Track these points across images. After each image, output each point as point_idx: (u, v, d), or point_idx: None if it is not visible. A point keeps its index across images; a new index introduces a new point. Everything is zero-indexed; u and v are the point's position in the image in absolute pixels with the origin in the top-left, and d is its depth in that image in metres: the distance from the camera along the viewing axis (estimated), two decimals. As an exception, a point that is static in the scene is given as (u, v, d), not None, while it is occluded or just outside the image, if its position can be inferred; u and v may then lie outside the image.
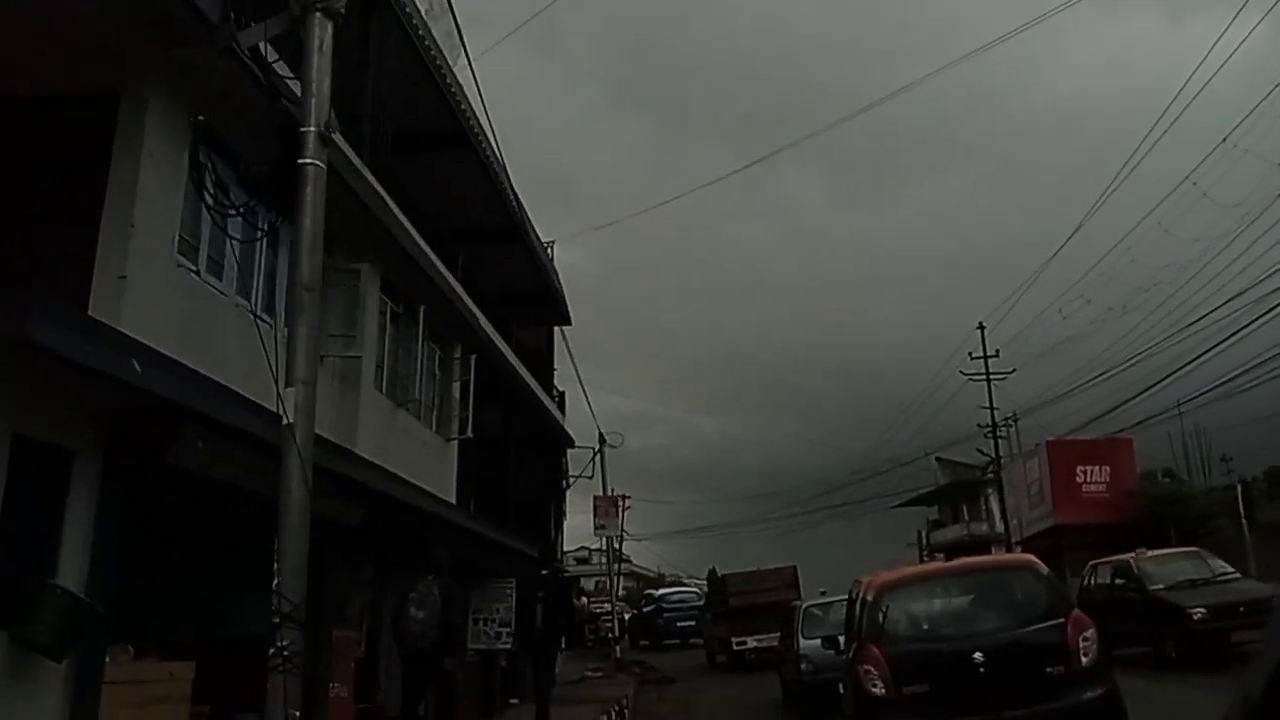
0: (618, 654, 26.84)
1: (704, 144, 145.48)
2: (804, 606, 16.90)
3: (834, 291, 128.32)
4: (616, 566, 71.54)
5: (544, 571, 22.27)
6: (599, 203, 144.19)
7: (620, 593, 45.19)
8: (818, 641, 13.12)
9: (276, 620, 4.77)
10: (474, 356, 15.50)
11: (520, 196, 20.38)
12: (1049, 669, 7.64)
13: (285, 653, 4.69)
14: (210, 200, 6.48)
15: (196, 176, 6.49)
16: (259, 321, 7.24)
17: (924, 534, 61.86)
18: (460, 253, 16.82)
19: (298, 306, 5.30)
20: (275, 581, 4.87)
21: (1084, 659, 7.63)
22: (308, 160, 5.27)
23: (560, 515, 24.36)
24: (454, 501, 15.29)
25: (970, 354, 42.64)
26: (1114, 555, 17.93)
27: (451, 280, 14.69)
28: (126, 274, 7.88)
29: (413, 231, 12.92)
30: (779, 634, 19.24)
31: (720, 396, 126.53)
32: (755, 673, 21.89)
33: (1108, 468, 29.84)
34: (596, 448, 28.00)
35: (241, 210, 6.71)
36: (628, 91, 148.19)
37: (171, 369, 7.52)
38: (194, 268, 8.96)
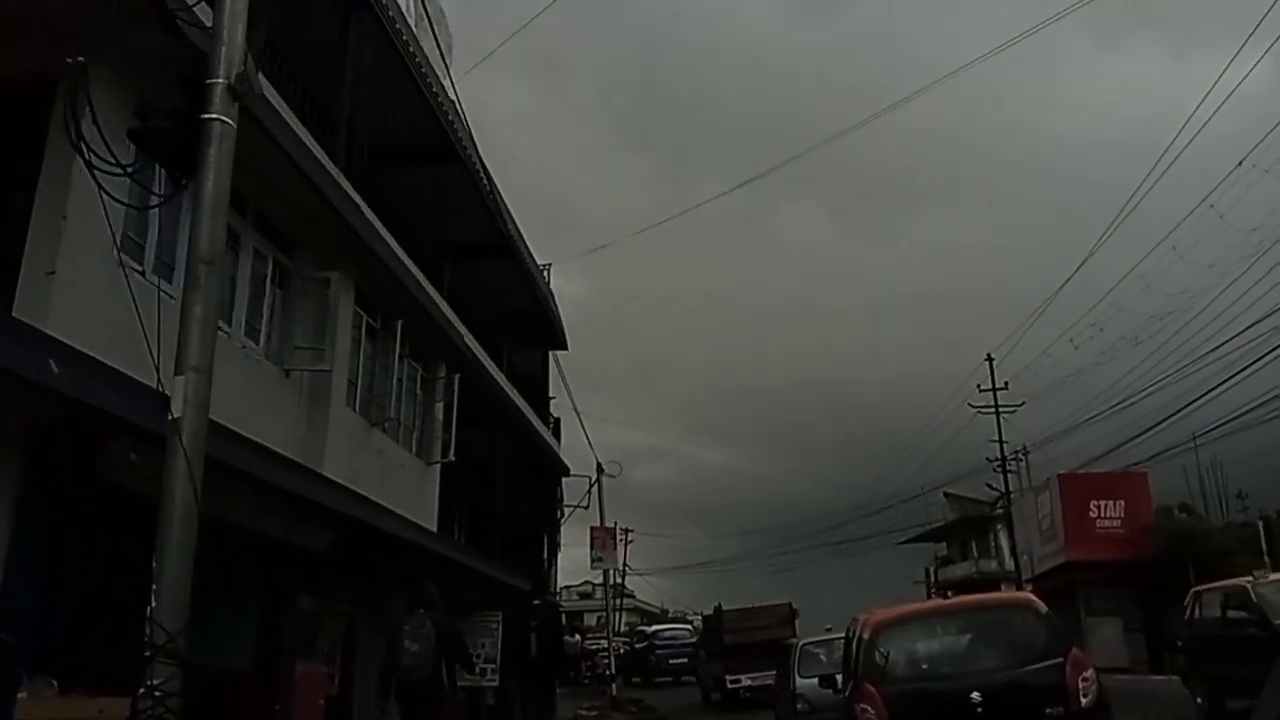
0: (614, 692, 25.85)
1: (708, 179, 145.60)
2: (800, 644, 16.31)
3: (839, 325, 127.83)
4: (617, 601, 70.37)
5: (536, 602, 21.47)
6: (603, 235, 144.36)
7: (623, 628, 44.25)
8: (814, 680, 12.73)
9: (148, 654, 3.99)
10: (458, 376, 14.80)
11: (513, 215, 19.84)
12: (1048, 710, 7.53)
13: (157, 693, 3.92)
14: (86, 155, 5.76)
15: (74, 129, 5.78)
16: (161, 294, 6.47)
17: (932, 571, 60.60)
18: (446, 268, 16.19)
19: (194, 281, 4.60)
20: (150, 606, 4.11)
21: (1084, 699, 7.54)
22: (213, 116, 4.59)
23: (554, 546, 23.54)
24: (435, 529, 14.52)
25: (979, 386, 41.85)
26: (1227, 580, 14.32)
27: (434, 295, 14.04)
28: (55, 270, 7.23)
29: (391, 241, 12.28)
30: (774, 671, 18.95)
31: (724, 430, 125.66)
32: (750, 711, 21.52)
33: (1122, 502, 28.88)
34: (594, 477, 27.18)
35: (129, 170, 5.99)
36: (633, 127, 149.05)
37: (102, 374, 6.84)
38: (138, 267, 8.34)
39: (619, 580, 73.10)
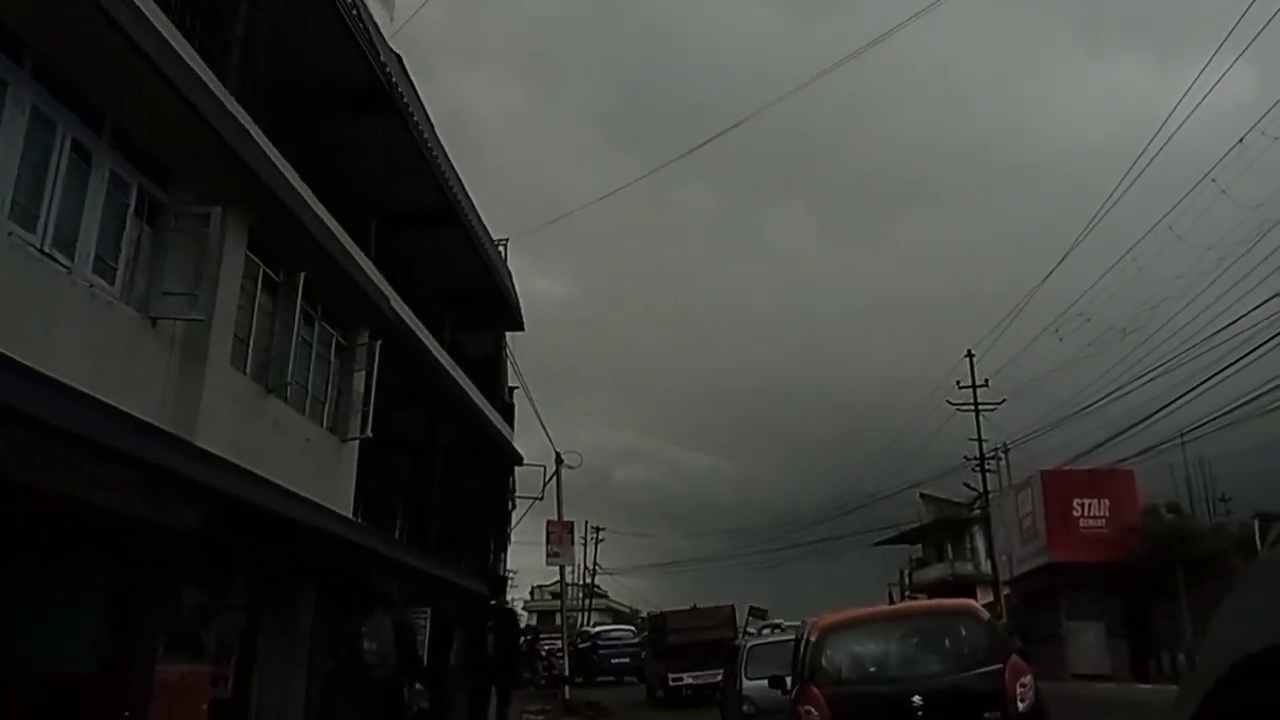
0: (566, 694, 24.36)
1: (691, 182, 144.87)
2: (748, 645, 16.04)
3: (824, 328, 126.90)
4: (587, 601, 68.75)
5: (493, 602, 20.09)
6: (591, 236, 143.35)
7: (593, 629, 43.73)
8: (762, 682, 12.52)
9: None
10: (380, 344, 13.23)
11: (463, 180, 18.32)
12: (985, 714, 7.78)
13: None
14: None
15: None
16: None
17: (907, 573, 59.39)
18: (375, 227, 14.64)
19: None
20: None
21: (1020, 705, 7.77)
22: None
23: (503, 539, 21.96)
24: (351, 514, 12.95)
25: (958, 383, 40.55)
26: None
27: (353, 250, 12.50)
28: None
29: (294, 181, 10.73)
30: (716, 671, 19.53)
31: (707, 432, 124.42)
32: (693, 708, 22.01)
33: (1107, 501, 27.45)
34: (553, 469, 25.62)
35: None
36: (622, 129, 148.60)
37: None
38: (31, 237, 7.27)
39: (589, 579, 71.76)
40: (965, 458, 40.11)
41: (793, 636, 12.36)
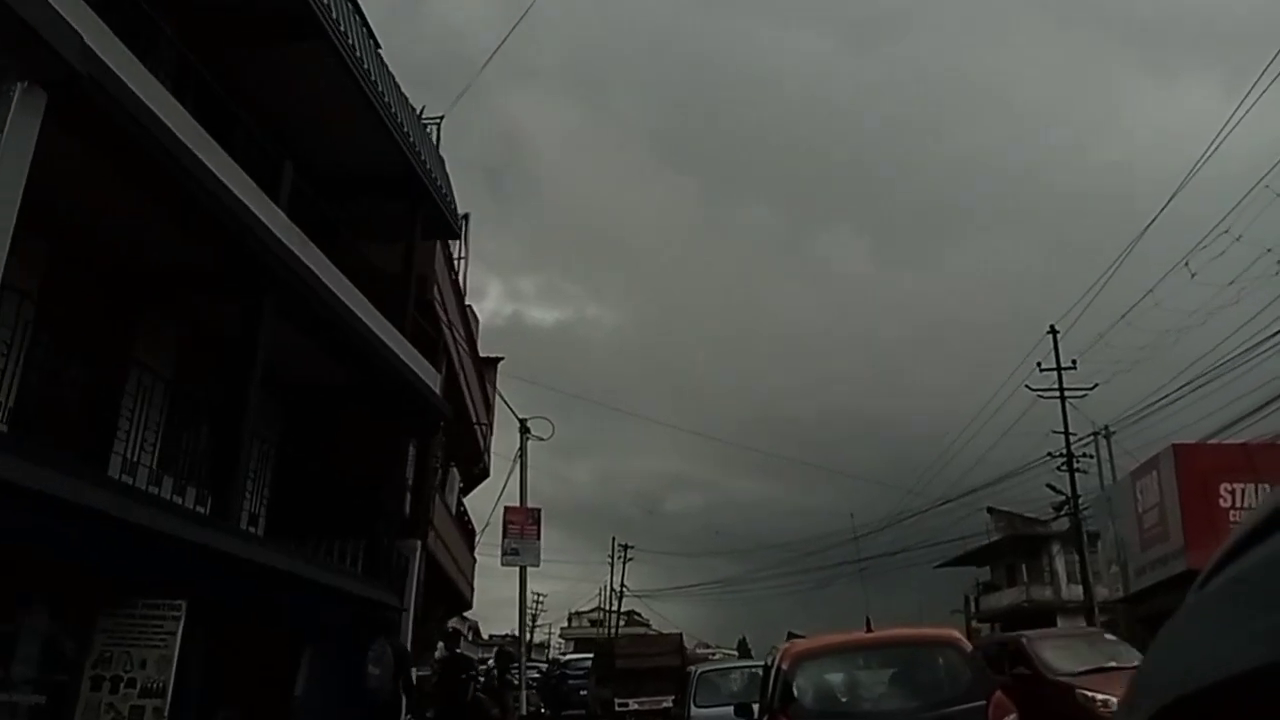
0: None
1: (746, 204, 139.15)
2: (698, 672, 15.31)
3: (881, 354, 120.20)
4: (615, 628, 61.91)
5: (385, 611, 14.04)
6: (645, 256, 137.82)
7: (563, 657, 40.01)
8: (712, 710, 12.79)
9: None
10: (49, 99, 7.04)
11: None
12: None
13: None
14: None
15: None
16: None
17: (973, 599, 52.07)
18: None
19: None
20: None
21: None
22: None
23: (413, 525, 15.42)
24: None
25: (1039, 365, 33.63)
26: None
27: None
28: None
29: None
30: (662, 698, 20.38)
31: (758, 459, 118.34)
32: None
33: (1266, 486, 20.32)
34: (518, 445, 19.15)
35: None
36: (676, 152, 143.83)
37: None
38: None
39: (615, 604, 65.09)
40: (1049, 453, 33.05)
41: (745, 664, 13.56)
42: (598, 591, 70.11)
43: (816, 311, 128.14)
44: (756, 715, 9.41)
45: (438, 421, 16.11)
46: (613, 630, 57.81)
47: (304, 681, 11.95)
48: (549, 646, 78.07)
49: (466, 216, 28.40)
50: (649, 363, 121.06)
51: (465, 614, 40.36)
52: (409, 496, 15.83)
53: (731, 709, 10.53)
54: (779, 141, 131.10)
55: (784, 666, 8.40)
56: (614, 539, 65.52)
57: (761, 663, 12.18)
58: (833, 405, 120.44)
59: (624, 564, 64.85)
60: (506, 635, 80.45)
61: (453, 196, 16.54)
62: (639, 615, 69.60)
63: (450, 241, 18.72)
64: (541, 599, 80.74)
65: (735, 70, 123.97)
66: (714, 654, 36.04)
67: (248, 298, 10.81)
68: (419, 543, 15.62)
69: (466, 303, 28.31)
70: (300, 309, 11.59)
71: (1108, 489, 27.39)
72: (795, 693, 8.05)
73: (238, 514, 10.29)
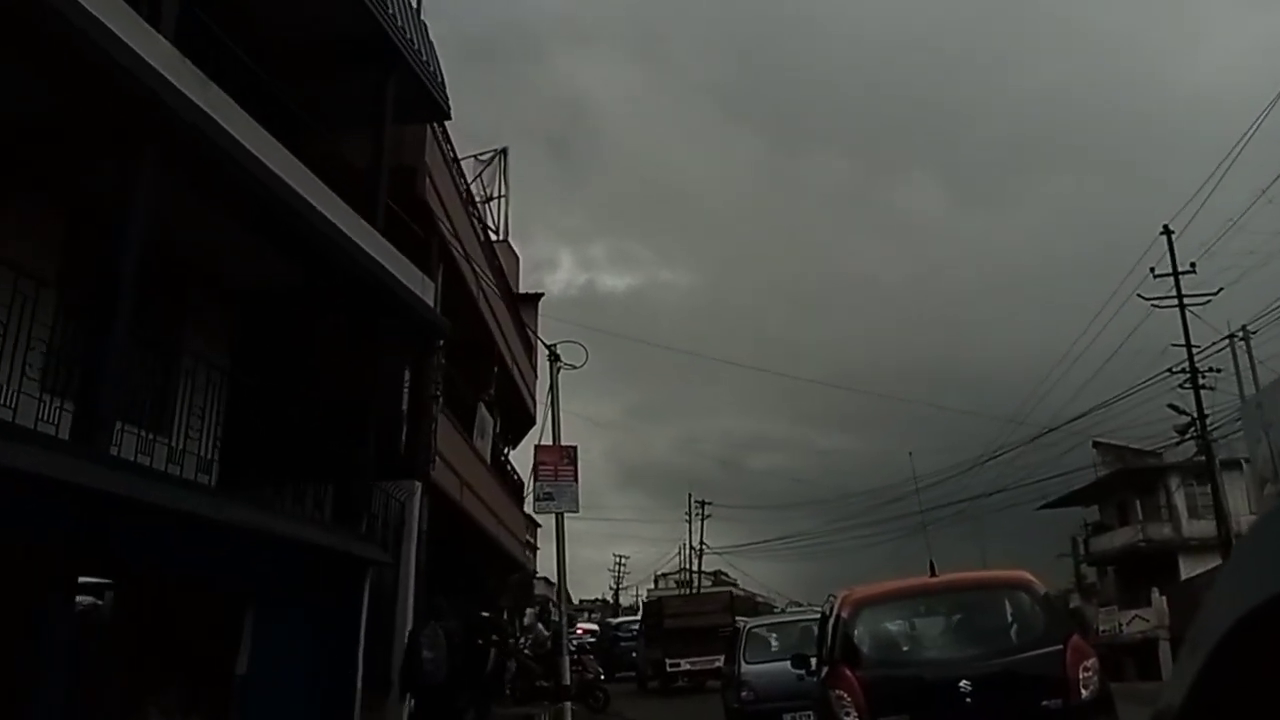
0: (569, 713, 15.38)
1: (821, 155, 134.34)
2: (748, 628, 14.69)
3: (960, 301, 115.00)
4: (695, 586, 59.19)
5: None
6: (716, 215, 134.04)
7: (614, 620, 39.15)
8: (762, 666, 12.95)
9: None
10: None
11: None
12: (1045, 701, 6.96)
13: None
14: None
15: None
16: None
17: (1082, 541, 48.00)
18: None
19: None
20: None
21: (1084, 691, 6.95)
22: None
23: (409, 463, 12.57)
24: None
25: (1153, 270, 29.64)
26: None
27: None
28: None
29: None
30: (713, 657, 20.73)
31: (838, 412, 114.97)
32: (692, 696, 21.58)
33: None
34: (550, 373, 16.31)
35: None
36: (742, 105, 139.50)
37: None
38: None
39: (695, 563, 62.32)
40: (1170, 370, 29.08)
41: (797, 617, 14.42)
42: (676, 551, 67.52)
43: (894, 260, 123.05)
44: (814, 666, 8.90)
45: (432, 338, 13.28)
46: (697, 591, 55.35)
47: (247, 657, 9.29)
48: (637, 609, 76.22)
49: (505, 150, 25.97)
50: (725, 323, 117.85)
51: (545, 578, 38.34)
52: (404, 430, 13.06)
53: (786, 664, 10.25)
54: (847, 88, 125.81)
55: (843, 615, 7.94)
56: (689, 494, 62.91)
57: (815, 615, 11.81)
58: (916, 355, 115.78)
59: (702, 521, 62.20)
60: (597, 599, 78.58)
61: (437, 66, 13.64)
62: (725, 575, 66.92)
63: (446, 129, 15.75)
64: (624, 561, 78.50)
65: (798, 16, 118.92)
66: (778, 609, 33.94)
67: (121, 148, 8.05)
68: (418, 484, 12.86)
69: (504, 239, 25.63)
70: (209, 173, 8.81)
71: (1261, 392, 23.40)
72: (857, 642, 7.58)
73: (109, 433, 7.57)
